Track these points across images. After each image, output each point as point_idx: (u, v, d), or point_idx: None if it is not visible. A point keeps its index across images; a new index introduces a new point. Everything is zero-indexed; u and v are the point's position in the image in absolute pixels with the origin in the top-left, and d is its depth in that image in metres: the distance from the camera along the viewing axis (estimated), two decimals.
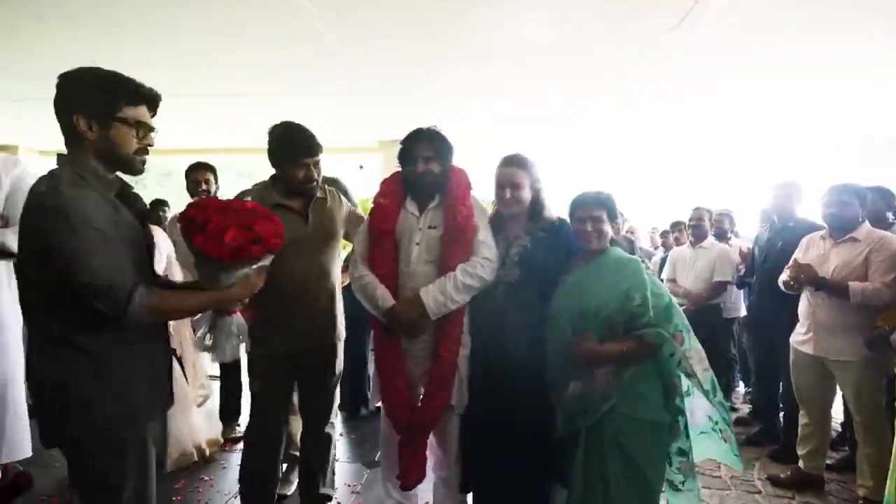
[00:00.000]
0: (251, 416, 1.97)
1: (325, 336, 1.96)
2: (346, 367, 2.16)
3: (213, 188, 2.72)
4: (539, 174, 1.79)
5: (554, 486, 1.75)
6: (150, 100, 1.23)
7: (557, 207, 1.86)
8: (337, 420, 2.17)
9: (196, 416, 2.72)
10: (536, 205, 1.78)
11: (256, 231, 1.24)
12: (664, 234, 4.94)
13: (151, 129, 1.23)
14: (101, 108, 1.15)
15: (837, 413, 2.86)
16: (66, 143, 1.18)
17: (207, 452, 2.71)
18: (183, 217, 1.27)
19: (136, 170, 1.24)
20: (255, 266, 1.33)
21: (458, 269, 1.68)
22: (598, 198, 1.67)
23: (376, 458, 2.68)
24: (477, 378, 1.77)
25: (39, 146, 6.17)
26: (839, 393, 2.49)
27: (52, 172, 1.15)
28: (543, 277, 1.72)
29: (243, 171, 8.82)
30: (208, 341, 1.68)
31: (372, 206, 1.87)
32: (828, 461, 2.63)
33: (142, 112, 1.21)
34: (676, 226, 4.28)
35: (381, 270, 1.76)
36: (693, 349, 1.58)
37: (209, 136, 5.72)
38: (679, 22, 2.63)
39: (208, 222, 1.21)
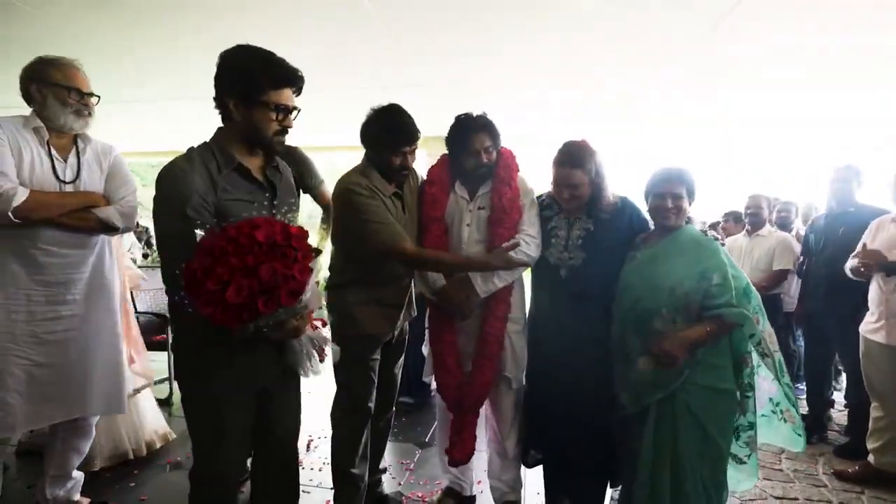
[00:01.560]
0: (339, 402, 1.87)
1: (409, 316, 1.98)
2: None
3: None
4: (598, 166, 1.71)
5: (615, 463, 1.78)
6: (294, 81, 1.27)
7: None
8: None
9: (139, 407, 2.47)
10: (597, 195, 1.73)
11: (262, 278, 1.05)
12: (713, 226, 4.79)
13: (290, 110, 1.28)
14: (245, 91, 1.21)
15: None
16: (222, 122, 1.28)
17: (157, 445, 2.52)
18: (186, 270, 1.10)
19: (275, 151, 1.32)
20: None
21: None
22: (680, 174, 1.63)
23: (427, 440, 2.78)
24: (541, 359, 1.81)
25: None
26: None
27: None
28: (609, 258, 1.71)
29: None
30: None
31: (421, 191, 1.91)
32: None
33: (285, 95, 1.25)
34: (730, 215, 4.15)
35: None
36: (766, 331, 1.59)
37: None
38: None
39: (207, 277, 1.05)
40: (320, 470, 2.43)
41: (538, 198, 1.88)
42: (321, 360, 1.39)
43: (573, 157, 1.69)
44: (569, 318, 1.72)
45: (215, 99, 1.27)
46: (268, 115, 1.25)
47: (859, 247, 2.35)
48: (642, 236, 1.73)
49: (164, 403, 3.11)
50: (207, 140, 1.30)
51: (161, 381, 3.13)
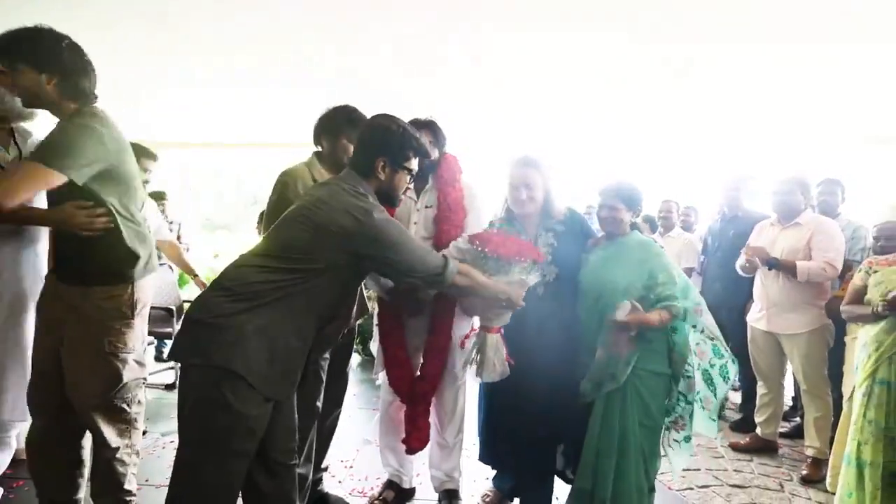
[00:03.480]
0: None
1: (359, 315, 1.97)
2: None
3: None
4: (550, 172, 1.86)
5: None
6: (424, 154, 1.56)
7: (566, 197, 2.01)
8: None
9: None
10: (548, 201, 1.85)
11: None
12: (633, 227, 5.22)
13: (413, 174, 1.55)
14: (398, 158, 1.46)
15: (789, 388, 3.15)
16: (358, 171, 1.45)
17: None
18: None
19: (396, 205, 1.59)
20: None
21: (451, 246, 1.83)
22: (617, 189, 1.84)
23: (368, 437, 2.82)
24: (523, 365, 1.81)
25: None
26: (790, 369, 2.76)
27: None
28: (576, 268, 1.84)
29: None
30: (475, 357, 1.72)
31: None
32: (781, 430, 2.91)
33: (416, 162, 1.53)
34: (646, 219, 4.54)
35: None
36: (709, 320, 1.82)
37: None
38: None
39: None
40: None
41: (490, 223, 1.95)
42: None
43: (529, 159, 1.84)
44: (548, 327, 1.80)
45: (361, 154, 1.47)
46: (405, 177, 1.51)
47: (746, 246, 2.71)
48: (592, 241, 1.93)
49: (171, 388, 3.54)
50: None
51: (169, 368, 3.73)
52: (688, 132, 5.70)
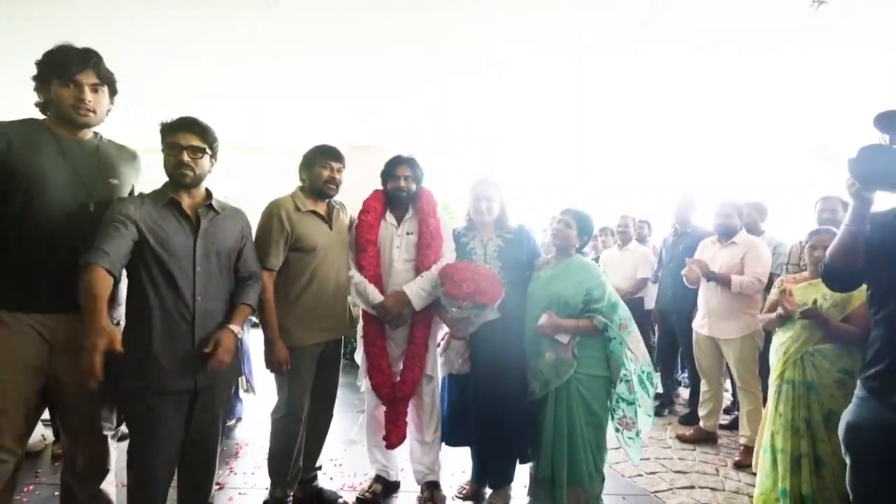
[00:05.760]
0: (285, 402, 2.08)
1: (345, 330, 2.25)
2: None
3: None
4: (505, 191, 2.29)
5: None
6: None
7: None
8: None
9: None
10: (502, 214, 2.27)
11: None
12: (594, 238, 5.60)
13: None
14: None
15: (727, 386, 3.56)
16: None
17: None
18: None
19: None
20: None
21: (433, 269, 2.11)
22: (575, 213, 2.21)
23: (352, 437, 3.07)
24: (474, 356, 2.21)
25: None
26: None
27: None
28: (516, 269, 2.24)
29: None
30: (440, 356, 2.24)
31: (357, 220, 2.25)
32: (721, 422, 3.30)
33: None
34: (603, 230, 4.90)
35: (368, 273, 2.16)
36: (633, 333, 2.14)
37: None
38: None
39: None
40: (252, 474, 2.62)
41: (454, 231, 2.32)
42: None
43: (489, 179, 2.28)
44: (499, 333, 2.15)
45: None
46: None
47: (690, 260, 3.08)
48: (542, 259, 2.27)
49: None
50: None
51: None
52: (642, 149, 6.18)
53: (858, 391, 1.53)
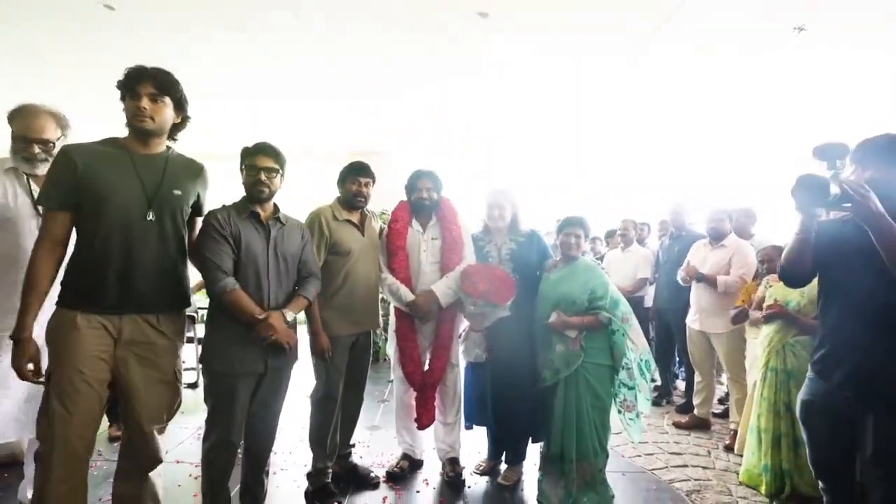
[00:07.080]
0: (324, 384, 2.33)
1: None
2: None
3: None
4: (516, 199, 2.58)
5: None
6: None
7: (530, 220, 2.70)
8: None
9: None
10: (514, 220, 2.56)
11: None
12: (593, 241, 5.88)
13: None
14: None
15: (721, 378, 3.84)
16: None
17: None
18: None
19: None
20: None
21: (456, 269, 2.41)
22: (580, 220, 2.47)
23: (376, 423, 3.37)
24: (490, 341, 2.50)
25: None
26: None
27: None
28: (527, 269, 2.51)
29: None
30: (461, 344, 2.55)
31: (387, 228, 2.55)
32: (715, 410, 3.59)
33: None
34: (610, 234, 5.18)
35: (399, 275, 2.45)
36: (634, 327, 2.41)
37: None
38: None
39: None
40: (290, 453, 2.91)
41: (472, 235, 2.61)
42: None
43: (502, 188, 2.60)
44: (513, 327, 2.43)
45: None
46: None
47: (685, 262, 3.37)
48: (551, 262, 2.54)
49: (192, 387, 4.15)
50: None
51: (189, 370, 4.20)
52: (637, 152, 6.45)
53: (809, 373, 1.67)
